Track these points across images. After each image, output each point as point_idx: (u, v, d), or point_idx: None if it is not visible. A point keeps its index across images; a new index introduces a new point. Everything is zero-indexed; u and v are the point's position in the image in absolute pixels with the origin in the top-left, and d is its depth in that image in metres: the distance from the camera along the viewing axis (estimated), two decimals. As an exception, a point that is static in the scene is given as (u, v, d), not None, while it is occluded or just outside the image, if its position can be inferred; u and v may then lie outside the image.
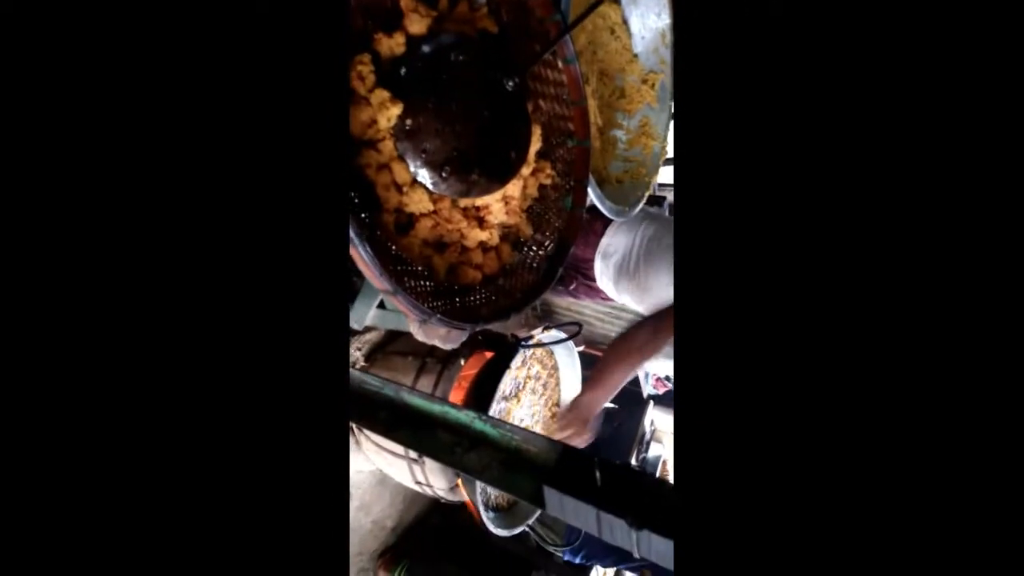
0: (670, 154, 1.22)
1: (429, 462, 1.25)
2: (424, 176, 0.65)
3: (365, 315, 0.96)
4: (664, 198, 2.01)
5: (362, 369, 1.30)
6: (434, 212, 0.71)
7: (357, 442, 1.38)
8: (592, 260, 1.30)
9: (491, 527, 1.13)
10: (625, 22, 1.13)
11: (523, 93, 0.73)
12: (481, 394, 1.09)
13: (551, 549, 1.99)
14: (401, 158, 0.64)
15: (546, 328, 1.24)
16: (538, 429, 1.34)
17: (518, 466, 0.56)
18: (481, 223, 0.77)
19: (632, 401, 2.79)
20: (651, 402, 2.82)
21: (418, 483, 1.33)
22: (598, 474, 0.51)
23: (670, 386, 2.80)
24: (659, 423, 3.07)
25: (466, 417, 0.60)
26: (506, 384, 1.20)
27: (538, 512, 1.26)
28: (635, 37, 1.15)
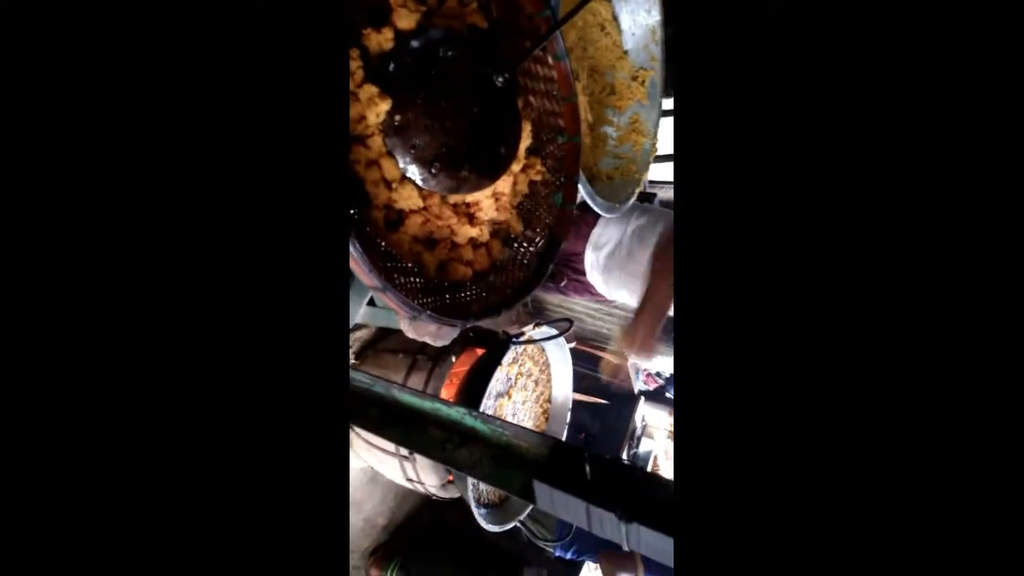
0: (660, 151, 1.22)
1: (420, 459, 1.25)
2: (414, 172, 0.64)
3: (355, 312, 0.96)
4: (655, 195, 2.02)
5: (352, 367, 1.30)
6: (424, 208, 0.70)
7: (350, 439, 1.38)
8: (582, 254, 1.30)
9: (483, 523, 1.14)
10: (615, 19, 1.13)
11: (513, 89, 0.73)
12: (472, 391, 1.09)
13: (542, 545, 2.00)
14: (390, 154, 0.64)
15: (537, 324, 1.24)
16: (530, 425, 1.34)
17: (509, 461, 0.56)
18: (471, 219, 0.77)
19: (623, 397, 2.81)
20: (642, 397, 2.84)
21: (409, 480, 1.32)
22: (588, 468, 0.51)
23: (661, 382, 2.83)
24: (650, 418, 3.09)
25: (457, 413, 0.61)
26: (497, 381, 1.20)
27: (529, 508, 1.27)
28: (625, 34, 1.15)
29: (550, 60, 0.76)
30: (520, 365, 1.29)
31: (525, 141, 0.77)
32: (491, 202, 0.77)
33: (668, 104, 1.24)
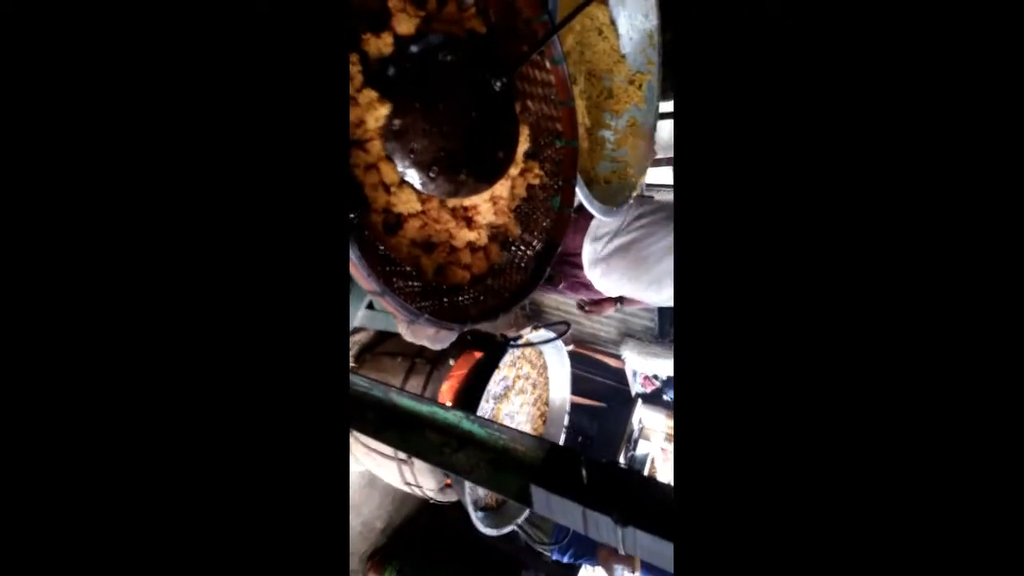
0: (658, 155, 1.23)
1: (418, 463, 1.25)
2: (412, 176, 0.65)
3: (353, 316, 0.96)
4: (651, 198, 2.03)
5: (351, 370, 1.30)
6: (422, 212, 0.71)
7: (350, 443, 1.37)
8: (580, 251, 1.30)
9: (480, 527, 1.14)
10: (613, 23, 1.14)
11: (511, 93, 0.74)
12: (470, 394, 1.10)
13: (540, 548, 2.00)
14: (389, 158, 0.64)
15: (535, 327, 1.24)
16: (527, 428, 1.34)
17: (506, 465, 0.56)
18: (469, 223, 0.77)
19: (620, 399, 2.81)
20: (639, 400, 2.85)
21: (407, 484, 1.32)
22: (584, 472, 0.51)
23: (658, 384, 2.83)
24: (647, 421, 3.09)
25: (454, 417, 0.61)
26: (495, 384, 1.20)
27: (527, 512, 1.27)
28: (623, 38, 1.16)
29: (548, 64, 0.76)
30: (518, 368, 1.29)
31: (523, 145, 0.78)
32: (489, 206, 0.77)
33: (665, 107, 1.25)
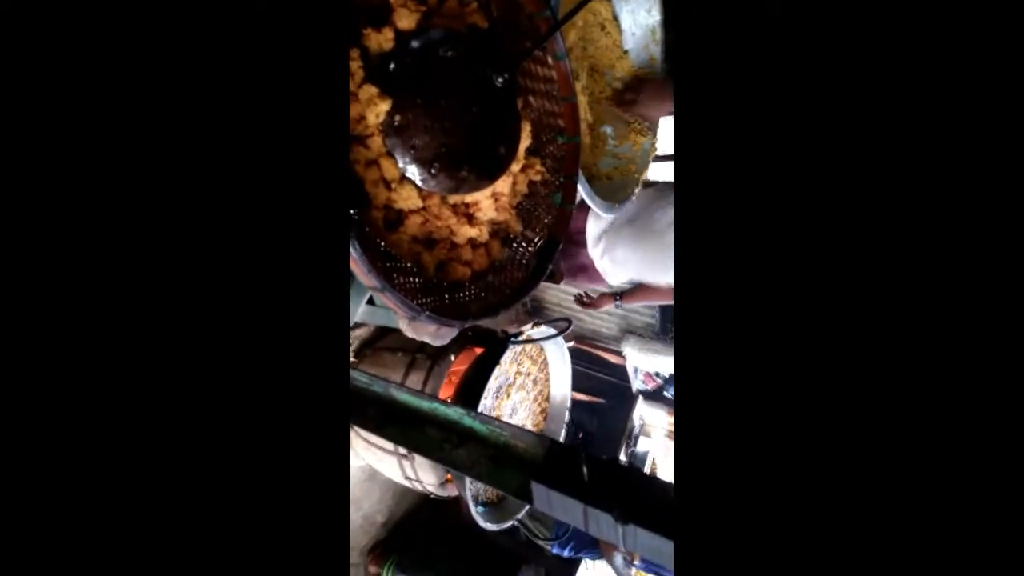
0: (660, 151, 1.22)
1: (419, 458, 1.25)
2: (413, 172, 0.65)
3: (354, 311, 0.96)
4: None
5: (351, 366, 1.30)
6: (423, 208, 0.71)
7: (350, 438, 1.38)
8: (584, 231, 1.29)
9: (481, 521, 1.14)
10: (616, 18, 1.13)
11: (513, 89, 0.73)
12: (471, 390, 1.10)
13: (540, 543, 2.01)
14: (390, 154, 0.64)
15: (536, 324, 1.24)
16: (528, 425, 1.35)
17: (506, 462, 0.56)
18: (471, 219, 0.77)
19: (621, 396, 2.82)
20: (640, 397, 2.85)
21: (408, 479, 1.33)
22: (585, 469, 0.51)
23: (659, 381, 2.83)
24: (648, 418, 3.10)
25: (455, 413, 0.61)
26: (496, 380, 1.20)
27: (527, 506, 1.27)
28: (625, 33, 1.15)
29: (550, 60, 0.76)
30: (519, 364, 1.29)
31: (525, 141, 0.77)
32: (490, 202, 0.77)
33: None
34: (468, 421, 0.60)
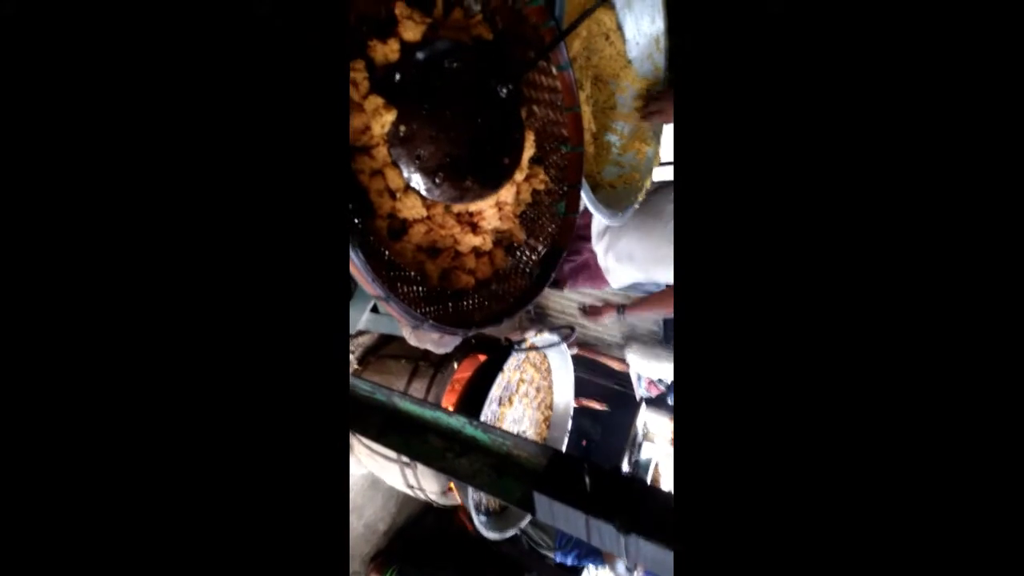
0: (664, 159, 1.23)
1: (421, 466, 1.25)
2: (417, 182, 0.65)
3: (358, 319, 0.96)
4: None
5: (355, 373, 1.30)
6: (427, 218, 0.71)
7: (349, 446, 1.38)
8: (588, 225, 1.28)
9: (483, 530, 1.14)
10: (620, 28, 1.14)
11: (517, 99, 0.74)
12: (474, 397, 1.10)
13: (543, 551, 1.99)
14: (394, 164, 0.64)
15: (539, 331, 1.24)
16: (531, 432, 1.34)
17: (508, 471, 0.56)
18: (474, 228, 0.77)
19: (624, 403, 2.80)
20: (643, 404, 2.83)
21: (410, 487, 1.32)
22: (587, 479, 0.51)
23: (662, 388, 2.81)
24: (651, 425, 3.08)
25: (457, 422, 0.61)
26: (499, 387, 1.20)
27: (530, 515, 1.27)
28: (629, 43, 1.15)
29: (554, 70, 0.77)
30: (522, 372, 1.29)
31: (528, 151, 0.78)
32: (494, 211, 0.78)
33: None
34: (470, 430, 0.60)
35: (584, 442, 2.66)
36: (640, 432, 2.92)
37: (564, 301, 2.73)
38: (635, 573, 1.94)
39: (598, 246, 1.27)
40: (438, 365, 1.27)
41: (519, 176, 0.79)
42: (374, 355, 1.39)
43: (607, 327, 2.72)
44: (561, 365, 1.40)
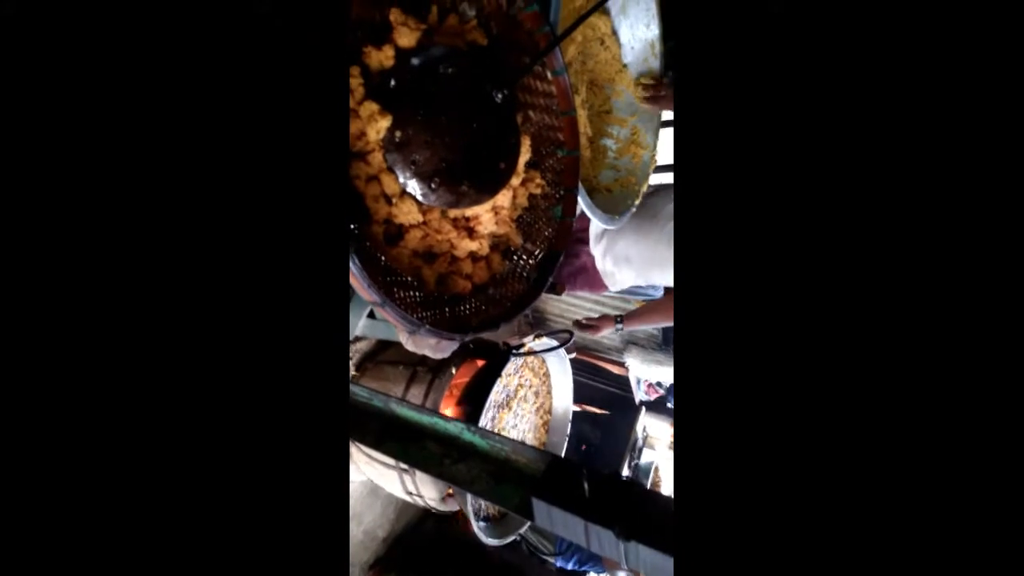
0: (660, 162, 1.23)
1: (420, 473, 1.24)
2: (413, 187, 0.65)
3: (355, 325, 0.96)
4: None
5: (352, 379, 1.30)
6: (423, 223, 0.71)
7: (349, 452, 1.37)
8: (586, 228, 1.27)
9: (483, 536, 1.13)
10: (615, 33, 1.14)
11: (512, 104, 0.74)
12: (472, 403, 1.09)
13: (543, 557, 1.98)
14: (390, 170, 0.64)
15: (537, 336, 1.24)
16: (530, 437, 1.34)
17: (507, 477, 0.56)
18: (471, 233, 0.77)
19: (624, 407, 2.80)
20: (643, 408, 2.83)
21: (409, 493, 1.32)
22: (586, 485, 0.51)
23: (662, 392, 2.81)
24: (651, 429, 3.07)
25: (455, 428, 0.60)
26: (497, 392, 1.20)
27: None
28: (624, 47, 1.16)
29: (549, 75, 0.77)
30: (520, 377, 1.29)
31: (524, 155, 0.78)
32: (491, 216, 0.78)
33: (666, 115, 1.25)
34: (468, 436, 0.60)
35: (584, 447, 2.65)
36: (640, 436, 2.91)
37: (562, 305, 2.73)
38: None
39: (596, 249, 1.26)
40: (436, 371, 1.27)
41: (515, 180, 0.79)
42: (371, 361, 1.39)
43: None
44: (560, 369, 1.39)
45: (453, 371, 1.26)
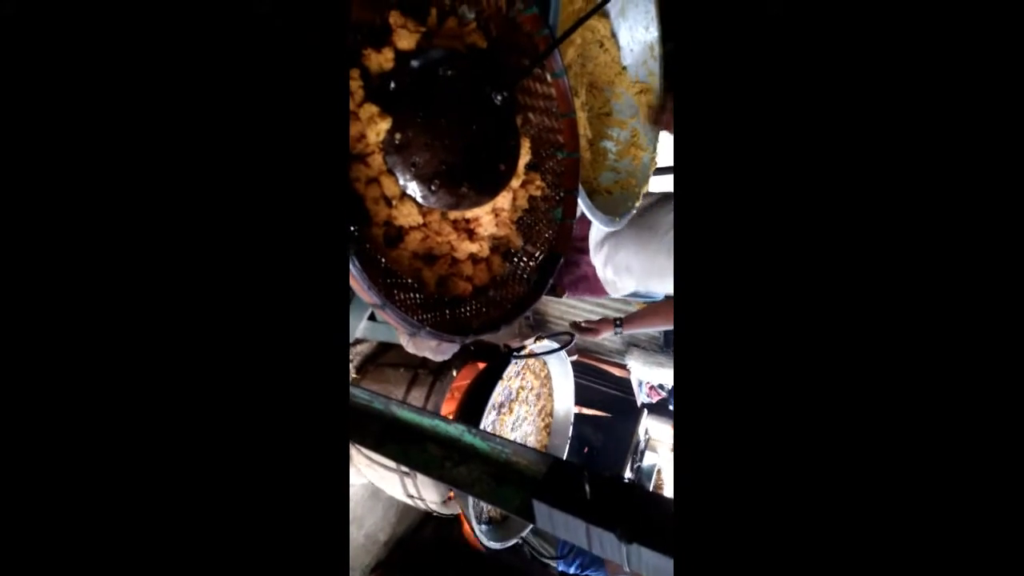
0: (660, 164, 1.23)
1: (421, 475, 1.24)
2: (413, 189, 0.65)
3: (355, 327, 0.96)
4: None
5: (353, 381, 1.29)
6: (423, 225, 0.71)
7: (349, 455, 1.37)
8: (586, 238, 1.29)
9: (484, 540, 1.12)
10: (614, 35, 1.15)
11: (512, 107, 0.74)
12: (473, 405, 1.09)
13: (545, 560, 1.97)
14: (390, 172, 0.64)
15: (539, 338, 1.24)
16: (531, 440, 1.33)
17: (508, 479, 0.56)
18: (471, 235, 0.77)
19: (626, 410, 2.79)
20: (645, 411, 2.82)
21: (410, 496, 1.31)
22: (587, 487, 0.51)
23: (664, 394, 2.81)
24: (654, 432, 3.06)
25: (456, 430, 0.60)
26: (498, 395, 1.20)
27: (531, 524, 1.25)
28: (624, 50, 1.16)
29: (548, 77, 0.77)
30: (521, 379, 1.29)
31: (524, 157, 0.78)
32: (491, 218, 0.77)
33: (667, 118, 1.25)
34: (469, 438, 0.60)
35: (586, 449, 2.64)
36: (642, 439, 2.90)
37: (563, 307, 2.73)
38: None
39: (596, 258, 1.27)
40: (437, 373, 1.26)
41: (515, 182, 0.79)
42: (372, 364, 1.39)
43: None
44: (561, 372, 1.39)
45: (454, 373, 1.26)
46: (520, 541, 1.28)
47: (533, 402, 1.34)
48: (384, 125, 0.61)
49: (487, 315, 0.75)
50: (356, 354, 1.40)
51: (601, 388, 2.85)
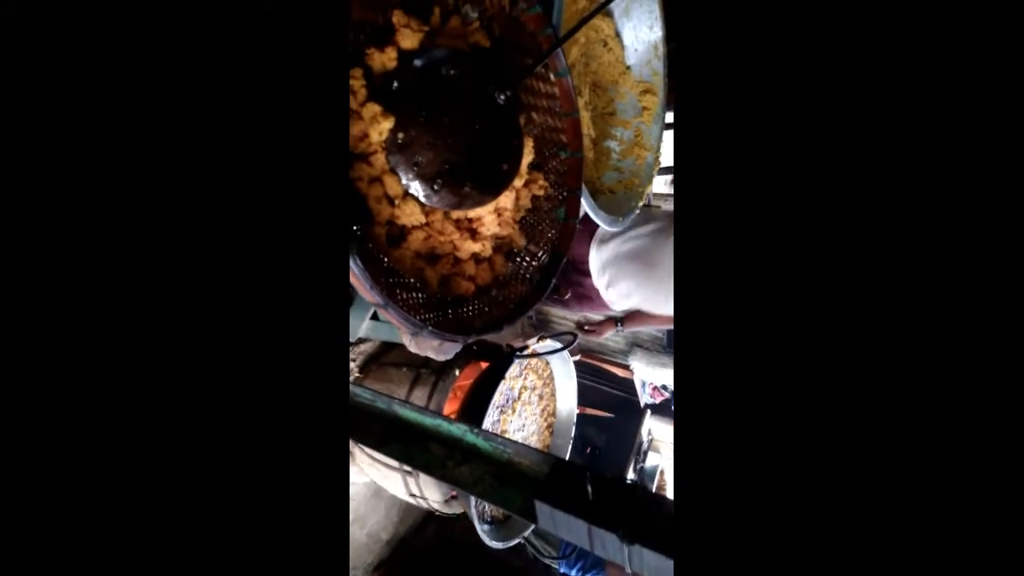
0: (663, 164, 1.23)
1: (423, 475, 1.24)
2: (416, 189, 0.65)
3: (358, 327, 0.96)
4: (658, 207, 2.03)
5: (356, 381, 1.30)
6: (426, 224, 0.71)
7: (351, 454, 1.37)
8: (587, 260, 1.30)
9: (486, 539, 1.12)
10: (618, 35, 1.14)
11: (515, 106, 0.74)
12: (476, 405, 1.09)
13: (547, 561, 1.97)
14: (393, 171, 0.64)
15: (541, 338, 1.23)
16: (534, 440, 1.33)
17: (510, 479, 0.56)
18: (474, 235, 0.77)
19: (629, 410, 2.78)
20: (648, 411, 2.81)
21: (412, 495, 1.31)
22: (590, 488, 0.51)
23: (667, 395, 2.80)
24: (656, 432, 3.05)
25: (458, 430, 0.60)
26: (501, 395, 1.19)
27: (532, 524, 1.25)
28: (628, 49, 1.16)
29: (552, 77, 0.77)
30: (524, 379, 1.29)
31: (527, 157, 0.78)
32: (493, 217, 0.77)
33: (670, 117, 1.25)
34: (471, 438, 0.60)
35: (589, 450, 2.64)
36: (645, 440, 2.90)
37: (566, 310, 2.72)
38: None
39: (599, 282, 1.31)
40: (439, 372, 1.26)
41: (518, 182, 0.78)
42: (375, 363, 1.39)
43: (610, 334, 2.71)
44: (564, 372, 1.39)
45: (457, 373, 1.26)
46: (522, 541, 1.28)
47: (536, 402, 1.34)
48: (387, 124, 0.61)
49: (490, 315, 0.75)
50: (359, 353, 1.40)
51: (604, 388, 2.84)
